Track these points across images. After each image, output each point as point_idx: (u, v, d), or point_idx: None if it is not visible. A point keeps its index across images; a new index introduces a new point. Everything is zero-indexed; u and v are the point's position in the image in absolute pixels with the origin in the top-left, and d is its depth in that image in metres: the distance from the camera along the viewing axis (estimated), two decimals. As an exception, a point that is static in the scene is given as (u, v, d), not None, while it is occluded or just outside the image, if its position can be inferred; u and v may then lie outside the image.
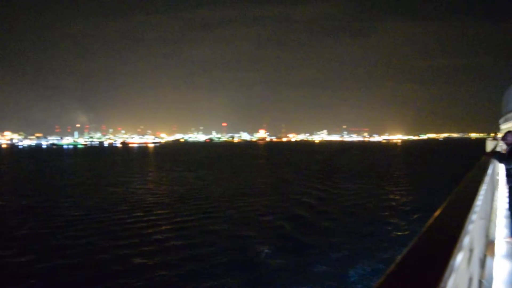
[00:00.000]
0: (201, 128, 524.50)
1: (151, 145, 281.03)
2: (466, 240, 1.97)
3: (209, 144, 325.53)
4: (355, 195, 33.50)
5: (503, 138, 7.93)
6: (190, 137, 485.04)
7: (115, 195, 35.30)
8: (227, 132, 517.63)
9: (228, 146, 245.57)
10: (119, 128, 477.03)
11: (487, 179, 3.96)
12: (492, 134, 27.66)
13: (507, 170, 7.56)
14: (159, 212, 27.01)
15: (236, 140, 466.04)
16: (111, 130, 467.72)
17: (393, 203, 29.63)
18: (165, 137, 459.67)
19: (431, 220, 1.55)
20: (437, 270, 0.99)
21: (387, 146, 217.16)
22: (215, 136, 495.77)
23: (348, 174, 52.30)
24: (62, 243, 19.36)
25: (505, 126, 36.82)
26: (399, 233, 20.53)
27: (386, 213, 25.78)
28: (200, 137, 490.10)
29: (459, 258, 1.27)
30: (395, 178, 46.91)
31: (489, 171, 4.78)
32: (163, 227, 22.40)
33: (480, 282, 4.04)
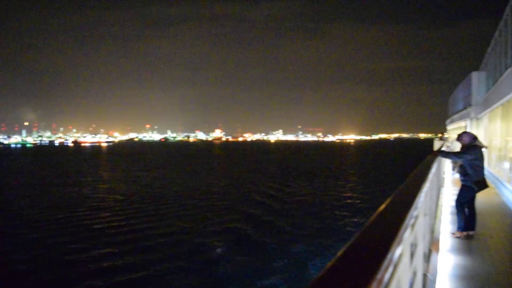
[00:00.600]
0: (156, 127, 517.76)
1: (105, 145, 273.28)
2: (406, 235, 2.06)
3: (165, 143, 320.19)
4: (310, 194, 34.04)
5: (458, 138, 8.19)
6: (144, 137, 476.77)
7: (71, 195, 34.19)
8: (183, 132, 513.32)
9: (184, 145, 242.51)
10: (70, 127, 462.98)
11: (430, 176, 4.13)
12: (440, 135, 28.83)
13: (461, 168, 7.91)
14: (117, 212, 26.42)
15: (191, 139, 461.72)
16: (61, 128, 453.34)
17: (347, 201, 30.35)
18: (119, 136, 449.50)
19: (373, 216, 1.62)
20: (374, 263, 1.04)
21: (341, 146, 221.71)
22: (170, 135, 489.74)
23: (303, 173, 53.01)
24: (19, 245, 18.68)
25: (451, 127, 38.51)
26: (354, 229, 21.07)
27: (340, 211, 26.41)
28: (155, 136, 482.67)
29: (398, 252, 1.33)
30: (348, 177, 48.02)
31: (433, 169, 4.99)
32: (122, 228, 21.96)
33: (425, 276, 4.22)
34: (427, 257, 4.71)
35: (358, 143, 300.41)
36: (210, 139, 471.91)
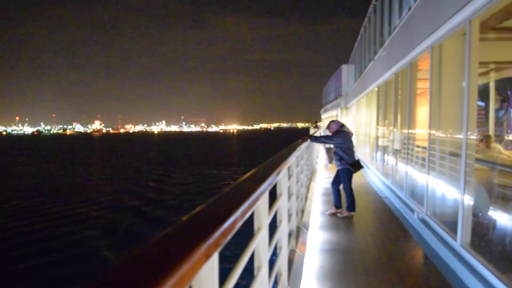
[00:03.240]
0: (27, 119, 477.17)
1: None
2: (260, 208, 2.18)
3: (38, 137, 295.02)
4: (192, 184, 34.09)
5: (328, 127, 8.88)
6: (13, 130, 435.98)
7: None
8: (58, 124, 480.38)
9: (61, 138, 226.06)
10: None
11: (294, 158, 4.37)
12: (315, 123, 30.77)
13: (335, 155, 8.52)
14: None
15: (69, 132, 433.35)
16: None
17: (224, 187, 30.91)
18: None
19: (225, 190, 1.68)
20: (209, 229, 1.10)
21: (225, 136, 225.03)
22: (44, 128, 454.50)
23: (187, 163, 52.78)
24: None
25: (325, 116, 41.26)
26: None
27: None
28: (26, 129, 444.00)
29: (241, 222, 1.41)
30: (231, 165, 48.92)
31: (299, 152, 5.29)
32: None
33: (293, 251, 4.50)
34: (296, 234, 5.02)
35: (241, 133, 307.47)
36: (89, 131, 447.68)
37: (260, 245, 2.21)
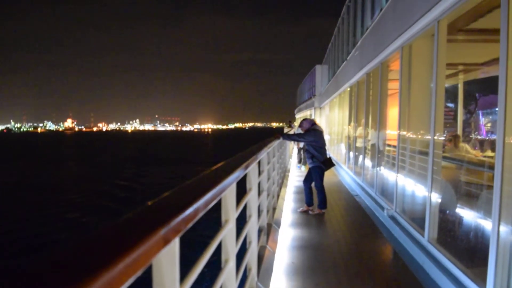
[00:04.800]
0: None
1: None
2: (227, 200, 2.18)
3: (8, 135, 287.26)
4: (166, 182, 33.83)
5: (300, 125, 8.95)
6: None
7: None
8: (28, 121, 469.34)
9: (31, 137, 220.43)
10: None
11: (264, 154, 4.38)
12: (288, 124, 30.93)
13: (307, 153, 8.58)
14: None
15: (40, 130, 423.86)
16: None
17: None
18: None
19: (191, 180, 1.67)
20: (168, 215, 1.09)
21: (199, 135, 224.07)
22: (13, 125, 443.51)
23: (162, 162, 52.35)
24: None
25: (299, 116, 41.53)
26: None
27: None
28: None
29: (202, 212, 1.41)
30: (206, 163, 48.71)
31: (270, 149, 5.31)
32: None
33: (263, 248, 4.51)
34: (267, 231, 5.03)
35: (215, 132, 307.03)
36: (61, 129, 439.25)
37: (227, 238, 2.20)
